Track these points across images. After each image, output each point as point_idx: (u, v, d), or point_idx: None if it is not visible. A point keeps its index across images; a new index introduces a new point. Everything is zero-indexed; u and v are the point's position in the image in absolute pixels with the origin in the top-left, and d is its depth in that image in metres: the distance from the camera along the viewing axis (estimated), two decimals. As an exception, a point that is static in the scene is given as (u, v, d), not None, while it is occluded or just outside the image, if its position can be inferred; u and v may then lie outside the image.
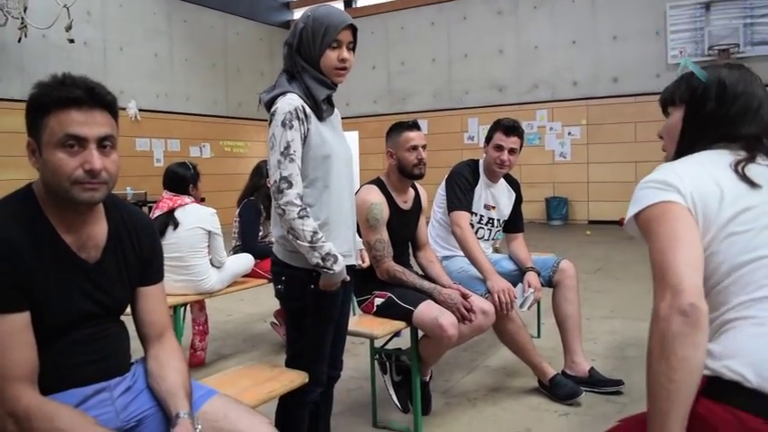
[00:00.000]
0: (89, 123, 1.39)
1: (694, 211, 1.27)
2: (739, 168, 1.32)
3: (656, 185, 1.32)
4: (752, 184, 1.29)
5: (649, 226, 1.29)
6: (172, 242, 3.46)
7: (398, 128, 3.01)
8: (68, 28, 8.42)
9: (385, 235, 2.90)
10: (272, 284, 2.25)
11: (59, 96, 1.38)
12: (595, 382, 3.26)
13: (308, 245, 1.97)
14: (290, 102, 2.02)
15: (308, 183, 2.06)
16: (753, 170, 1.33)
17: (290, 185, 1.97)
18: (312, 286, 2.07)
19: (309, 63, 2.08)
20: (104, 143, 1.42)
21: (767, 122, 1.43)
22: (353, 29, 2.10)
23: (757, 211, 1.27)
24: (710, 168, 1.33)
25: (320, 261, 1.99)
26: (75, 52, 10.26)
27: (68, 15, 8.31)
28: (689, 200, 1.28)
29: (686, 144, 1.46)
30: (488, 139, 3.54)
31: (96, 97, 1.41)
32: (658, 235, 1.26)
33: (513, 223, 3.74)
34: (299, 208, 1.96)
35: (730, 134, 1.41)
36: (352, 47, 2.12)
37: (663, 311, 1.15)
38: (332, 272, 2.01)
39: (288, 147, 1.98)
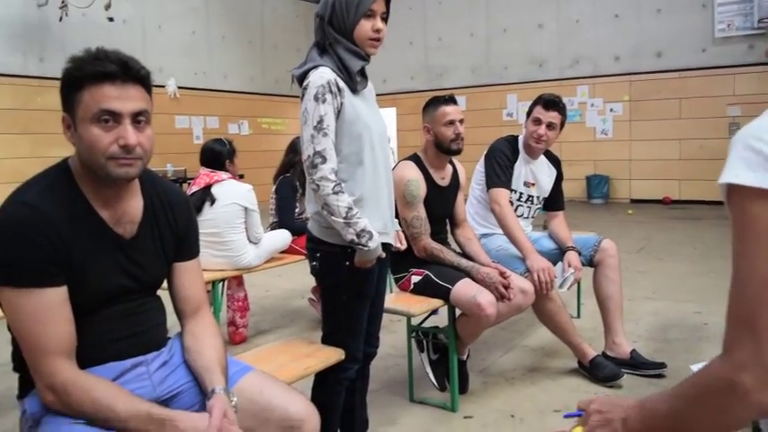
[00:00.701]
0: (123, 98, 1.37)
1: None
2: None
3: (764, 154, 0.85)
4: None
5: (743, 221, 0.86)
6: (209, 218, 3.48)
7: (435, 103, 2.95)
8: (108, 6, 8.51)
9: (422, 212, 2.85)
10: (308, 260, 2.24)
11: (93, 71, 1.36)
12: (637, 364, 3.19)
13: (342, 221, 1.94)
14: (323, 75, 1.98)
15: (341, 158, 2.02)
16: None
17: (324, 160, 1.94)
18: (347, 263, 2.05)
19: (342, 34, 2.03)
20: (139, 118, 1.40)
21: None
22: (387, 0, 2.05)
23: None
24: None
25: (355, 237, 1.96)
26: (115, 30, 10.35)
27: (108, -7, 8.38)
28: None
29: None
30: (528, 113, 3.45)
31: (130, 71, 1.39)
32: (756, 249, 0.85)
33: (554, 201, 3.66)
34: (333, 183, 1.93)
35: None
36: (386, 17, 2.07)
37: (738, 360, 0.85)
38: (367, 248, 1.98)
39: (321, 121, 1.94)
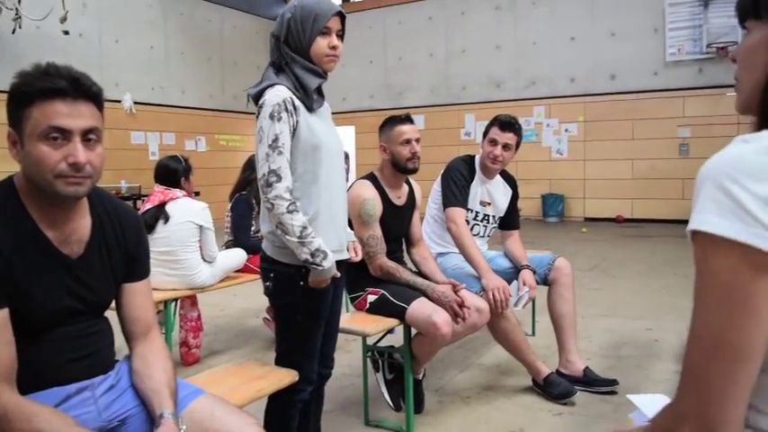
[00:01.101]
0: (73, 115, 1.35)
1: None
2: None
3: (739, 200, 0.78)
4: None
5: (704, 271, 0.82)
6: (162, 236, 3.42)
7: (391, 122, 2.97)
8: (63, 19, 8.35)
9: (378, 231, 2.86)
10: (262, 281, 2.21)
11: (43, 87, 1.34)
12: (590, 381, 3.23)
13: (297, 240, 1.92)
14: (279, 93, 1.97)
15: (297, 176, 2.01)
16: None
17: (279, 179, 1.92)
18: (301, 283, 2.03)
19: (299, 53, 2.04)
20: (89, 136, 1.38)
21: None
22: (342, 17, 2.07)
23: None
24: None
25: (309, 257, 1.94)
26: (71, 44, 10.17)
27: (63, 6, 8.24)
28: None
29: None
30: (485, 134, 3.50)
31: (81, 88, 1.37)
32: (711, 304, 0.81)
33: (509, 220, 3.70)
34: (288, 202, 1.92)
35: None
36: (341, 35, 2.09)
37: (681, 411, 0.85)
38: (321, 268, 1.96)
39: (276, 139, 1.94)
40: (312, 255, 1.94)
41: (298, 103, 2.01)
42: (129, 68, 11.73)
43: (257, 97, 2.04)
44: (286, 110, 1.96)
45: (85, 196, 1.46)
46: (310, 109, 2.06)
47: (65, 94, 1.34)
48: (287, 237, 1.94)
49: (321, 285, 2.03)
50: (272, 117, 1.94)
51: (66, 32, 8.69)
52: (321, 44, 2.02)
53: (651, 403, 1.20)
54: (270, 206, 1.93)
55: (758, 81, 0.91)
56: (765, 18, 0.91)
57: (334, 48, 2.04)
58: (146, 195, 9.83)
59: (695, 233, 0.81)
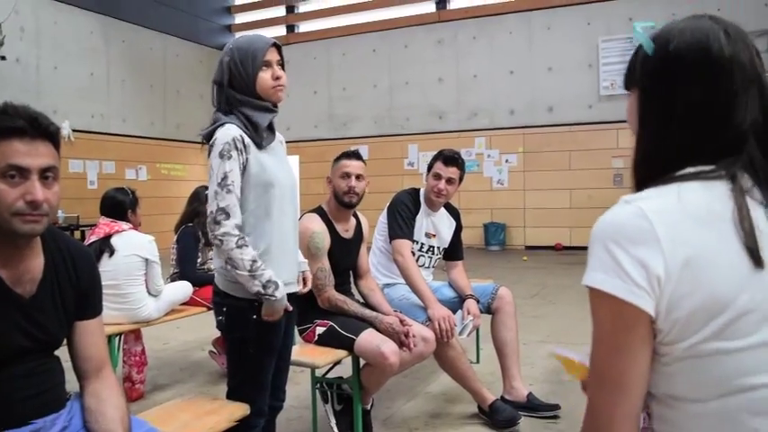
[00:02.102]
0: (32, 154, 1.36)
1: (664, 320, 0.92)
2: (749, 240, 0.91)
3: (617, 259, 0.92)
4: (758, 261, 0.90)
5: (594, 318, 0.96)
6: (107, 270, 3.36)
7: (340, 156, 3.06)
8: (0, 44, 8.17)
9: (326, 264, 2.90)
10: (210, 312, 2.22)
11: (1, 126, 1.35)
12: (533, 406, 3.33)
13: (247, 274, 1.95)
14: (228, 132, 2.02)
15: (249, 212, 2.06)
16: (764, 230, 0.93)
17: (227, 216, 1.96)
18: (254, 317, 2.06)
19: (246, 93, 2.09)
20: (46, 174, 1.40)
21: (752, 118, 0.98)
22: (278, 48, 2.14)
23: (756, 316, 0.90)
24: (713, 237, 0.92)
25: (261, 289, 1.97)
26: (7, 69, 9.93)
27: (0, 31, 8.06)
28: (662, 305, 0.91)
29: (646, 153, 1.08)
30: (429, 168, 3.61)
31: (39, 127, 1.39)
32: (607, 347, 0.95)
33: (453, 251, 3.80)
34: (236, 237, 1.95)
35: (704, 144, 1.00)
36: (282, 63, 2.15)
37: None
38: (274, 298, 2.00)
39: (225, 177, 1.98)
40: (264, 286, 1.97)
41: (248, 140, 2.05)
42: (69, 95, 11.49)
43: (209, 137, 2.08)
44: (236, 148, 2.00)
45: (39, 235, 1.47)
46: (260, 146, 2.11)
47: (23, 133, 1.36)
48: (237, 271, 1.96)
49: (274, 317, 2.06)
50: (221, 156, 1.98)
51: (3, 58, 8.51)
52: (265, 78, 2.09)
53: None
54: (219, 243, 1.96)
55: (634, 142, 1.09)
56: (633, 86, 1.09)
57: (278, 78, 2.11)
58: (84, 226, 9.71)
59: (588, 287, 0.95)
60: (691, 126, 1.00)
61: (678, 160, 1.01)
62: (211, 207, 1.98)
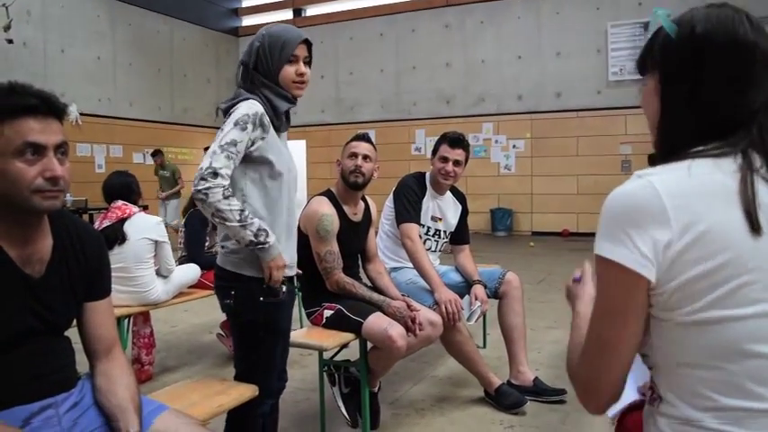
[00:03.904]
0: (46, 131, 1.37)
1: (664, 286, 0.99)
2: (752, 209, 0.97)
3: (626, 230, 0.99)
4: (754, 226, 0.97)
5: (598, 284, 1.06)
6: (116, 252, 3.38)
7: (351, 139, 3.06)
8: (7, 27, 8.17)
9: (335, 247, 2.90)
10: (220, 298, 2.21)
11: (14, 104, 1.35)
12: (540, 391, 3.34)
13: (238, 224, 1.92)
14: (251, 106, 2.01)
15: (265, 191, 2.06)
16: (764, 203, 0.98)
17: (216, 176, 1.90)
18: (261, 299, 2.06)
19: (268, 79, 2.10)
20: (61, 150, 1.40)
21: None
22: (309, 44, 2.15)
23: (760, 285, 0.97)
24: (719, 208, 0.98)
25: (253, 237, 1.95)
26: (14, 53, 9.94)
27: (7, 15, 8.08)
28: (663, 273, 0.99)
29: (666, 134, 1.12)
30: (435, 151, 3.60)
31: (52, 106, 1.40)
32: (607, 310, 1.04)
33: (460, 235, 3.80)
34: (222, 189, 1.90)
35: (721, 123, 1.05)
36: (308, 61, 2.16)
37: (582, 400, 1.11)
38: (267, 245, 1.98)
39: (232, 144, 1.94)
40: (255, 235, 1.96)
41: (267, 121, 2.05)
42: (76, 79, 11.51)
43: (228, 111, 2.06)
44: (254, 123, 1.99)
45: (46, 215, 1.48)
46: (278, 130, 2.11)
47: (36, 111, 1.36)
48: (227, 223, 1.92)
49: (277, 274, 2.03)
50: (236, 123, 1.96)
51: (10, 41, 8.51)
52: (289, 71, 2.09)
53: None
54: (203, 197, 1.90)
55: (653, 123, 1.15)
56: (651, 70, 1.13)
57: (301, 75, 2.11)
58: (92, 209, 9.74)
59: (596, 255, 1.03)
60: (713, 107, 1.04)
61: (694, 139, 1.05)
62: (203, 164, 1.92)
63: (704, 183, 0.99)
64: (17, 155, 1.35)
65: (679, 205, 0.98)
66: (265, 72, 2.09)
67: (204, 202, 1.91)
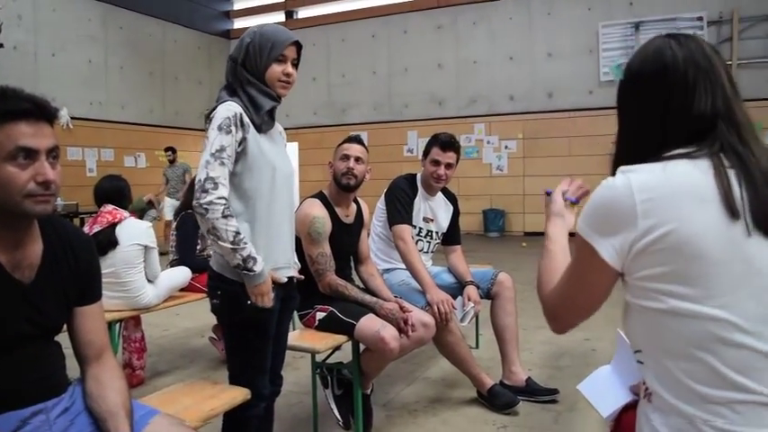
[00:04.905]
0: (38, 135, 1.37)
1: (634, 279, 1.14)
2: (730, 196, 1.07)
3: (602, 222, 1.15)
4: (733, 213, 1.07)
5: (576, 251, 1.23)
6: (107, 258, 3.37)
7: (343, 141, 3.06)
8: (-3, 32, 8.14)
9: (327, 248, 2.91)
10: (209, 298, 2.22)
11: (6, 109, 1.35)
12: (532, 391, 3.35)
13: (229, 246, 1.95)
14: (229, 107, 2.03)
15: (242, 191, 2.06)
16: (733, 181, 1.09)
17: (216, 187, 1.94)
18: (249, 302, 2.06)
19: (254, 76, 2.10)
20: (53, 154, 1.41)
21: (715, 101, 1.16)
22: (298, 47, 2.16)
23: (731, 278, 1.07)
24: (687, 206, 1.08)
25: (241, 262, 1.97)
26: (4, 57, 9.89)
27: (-3, 19, 8.03)
28: (630, 266, 1.13)
29: (624, 155, 1.25)
30: (426, 153, 3.61)
31: (44, 110, 1.40)
32: (573, 278, 1.25)
33: (451, 236, 3.81)
34: (222, 207, 1.93)
35: (675, 134, 1.18)
36: (296, 63, 2.17)
37: (548, 321, 1.34)
38: (253, 272, 1.99)
39: (221, 150, 1.97)
40: (244, 260, 1.97)
41: (247, 120, 2.06)
42: (67, 83, 11.46)
43: (209, 116, 2.08)
44: (235, 124, 2.01)
45: (36, 220, 1.47)
46: (259, 129, 2.11)
47: (29, 116, 1.36)
48: (219, 242, 1.95)
49: (262, 296, 2.04)
50: (220, 129, 1.99)
51: (1, 45, 8.47)
52: (276, 70, 2.10)
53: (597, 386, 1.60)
54: (203, 211, 1.93)
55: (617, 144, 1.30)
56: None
57: (287, 75, 2.12)
58: (83, 213, 9.70)
59: (578, 230, 1.20)
60: (662, 124, 1.18)
61: (655, 150, 1.17)
62: (200, 175, 1.95)
63: (678, 180, 1.10)
64: (9, 159, 1.35)
65: (650, 205, 1.09)
66: (252, 69, 2.10)
67: (203, 217, 1.94)
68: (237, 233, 1.95)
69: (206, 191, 1.93)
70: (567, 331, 1.31)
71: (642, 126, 1.21)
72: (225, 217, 1.94)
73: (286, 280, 2.18)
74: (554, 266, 1.37)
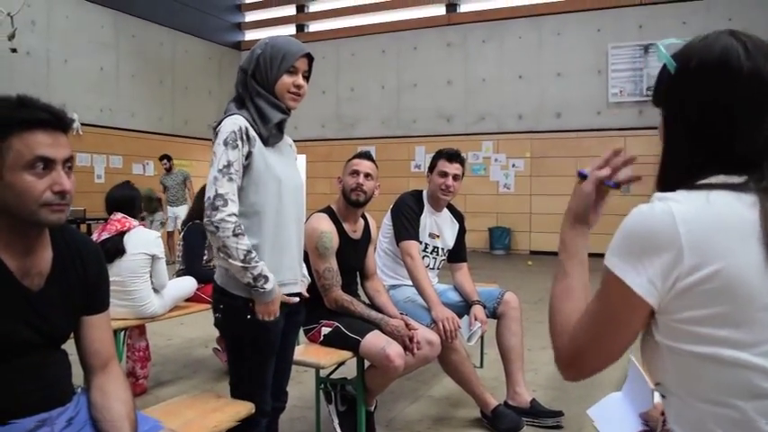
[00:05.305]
0: (55, 145, 1.38)
1: (672, 320, 1.01)
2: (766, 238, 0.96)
3: (638, 252, 1.01)
4: None
5: (602, 288, 1.06)
6: (113, 266, 3.37)
7: (353, 156, 3.07)
8: (11, 37, 8.20)
9: (334, 264, 2.90)
10: (212, 311, 2.21)
11: (25, 118, 1.36)
12: (536, 413, 3.31)
13: (240, 264, 1.94)
14: (235, 122, 2.02)
15: (247, 205, 2.05)
16: None
17: (226, 203, 1.93)
18: (249, 316, 2.05)
19: (264, 88, 2.10)
20: (68, 164, 1.41)
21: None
22: (310, 59, 2.15)
23: None
24: (733, 243, 0.97)
25: (251, 281, 1.96)
26: (18, 62, 9.97)
27: (12, 24, 8.10)
28: (670, 305, 1.00)
29: (668, 167, 1.15)
30: (431, 167, 3.62)
31: (62, 120, 1.41)
32: (603, 319, 1.07)
33: (457, 253, 3.80)
34: (233, 225, 1.93)
35: (720, 158, 1.05)
36: (307, 76, 2.17)
37: (563, 368, 1.15)
38: (263, 290, 1.98)
39: (228, 165, 1.97)
40: (255, 279, 1.96)
41: (253, 134, 2.05)
42: (78, 89, 11.54)
43: (216, 129, 2.08)
44: (241, 138, 2.00)
45: (47, 228, 1.47)
46: (266, 142, 2.10)
47: (47, 125, 1.37)
48: (230, 260, 1.94)
49: (269, 313, 2.04)
50: (226, 143, 1.98)
51: (14, 50, 8.53)
52: (286, 82, 2.09)
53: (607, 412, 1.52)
54: (214, 229, 1.93)
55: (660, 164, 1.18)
56: (660, 105, 1.16)
57: (298, 87, 2.12)
58: (90, 219, 9.72)
59: (606, 266, 1.05)
60: (708, 141, 1.05)
61: (697, 173, 1.05)
62: (209, 193, 1.96)
63: (722, 214, 0.99)
64: (27, 168, 1.35)
65: (695, 237, 0.97)
66: (262, 80, 2.10)
67: (214, 235, 1.95)
68: (249, 252, 1.94)
69: (216, 208, 1.93)
70: (585, 378, 1.13)
71: (689, 139, 1.07)
72: (236, 235, 1.93)
73: (297, 301, 2.17)
74: (571, 305, 1.16)
